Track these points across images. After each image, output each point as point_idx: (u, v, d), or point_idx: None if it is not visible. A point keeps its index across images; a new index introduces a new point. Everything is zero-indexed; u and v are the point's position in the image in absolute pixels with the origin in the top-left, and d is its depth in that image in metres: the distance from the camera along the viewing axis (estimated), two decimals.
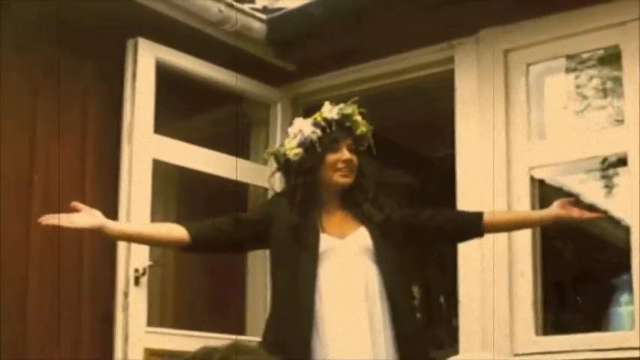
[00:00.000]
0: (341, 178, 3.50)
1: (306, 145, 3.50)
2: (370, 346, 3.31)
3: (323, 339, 3.30)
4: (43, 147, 3.88)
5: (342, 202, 3.57)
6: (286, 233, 3.45)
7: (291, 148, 3.51)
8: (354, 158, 3.51)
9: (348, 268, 3.42)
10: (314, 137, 3.49)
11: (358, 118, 3.57)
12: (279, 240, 3.47)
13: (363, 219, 3.51)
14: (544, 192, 4.20)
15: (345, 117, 3.55)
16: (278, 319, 3.40)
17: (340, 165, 3.49)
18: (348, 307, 3.37)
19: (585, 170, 5.66)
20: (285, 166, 3.60)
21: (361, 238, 3.46)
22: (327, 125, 3.51)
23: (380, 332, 3.34)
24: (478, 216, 3.51)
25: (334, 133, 3.51)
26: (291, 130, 3.55)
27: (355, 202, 3.56)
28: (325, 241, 3.44)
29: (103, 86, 4.12)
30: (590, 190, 5.89)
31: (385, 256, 3.44)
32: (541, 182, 4.20)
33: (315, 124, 3.51)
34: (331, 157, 3.49)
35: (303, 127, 3.51)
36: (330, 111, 3.54)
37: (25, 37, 3.84)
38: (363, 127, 3.58)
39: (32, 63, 3.87)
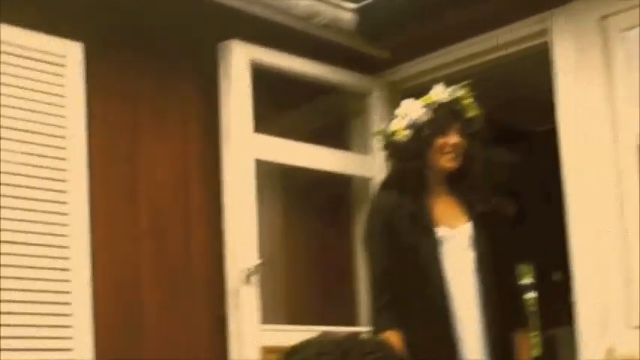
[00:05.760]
0: (447, 163, 3.48)
1: (415, 128, 3.48)
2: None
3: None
4: (145, 155, 3.94)
5: (447, 186, 3.55)
6: (405, 222, 3.45)
7: (400, 129, 3.50)
8: (462, 142, 3.48)
9: (458, 256, 3.42)
10: (423, 119, 3.47)
11: (469, 101, 3.54)
12: (400, 230, 3.46)
13: (467, 207, 3.50)
14: None
15: (455, 100, 3.52)
16: (405, 304, 3.39)
17: (447, 149, 3.47)
18: (462, 296, 3.37)
19: None
20: (392, 147, 3.58)
21: (467, 228, 3.44)
22: (436, 108, 3.49)
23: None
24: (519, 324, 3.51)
25: (444, 116, 3.49)
26: (400, 112, 3.53)
27: (460, 188, 3.54)
28: (439, 228, 3.45)
29: (199, 91, 4.16)
30: None
31: (482, 247, 3.44)
32: None
33: (425, 107, 3.48)
34: (439, 141, 3.47)
35: (412, 109, 3.49)
36: (441, 93, 3.51)
37: (121, 47, 3.91)
38: (474, 111, 3.55)
39: (130, 74, 3.93)
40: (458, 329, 3.36)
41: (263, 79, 4.26)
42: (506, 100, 5.14)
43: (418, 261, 3.40)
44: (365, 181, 4.64)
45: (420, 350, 3.28)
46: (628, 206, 3.77)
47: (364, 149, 4.71)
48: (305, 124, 4.66)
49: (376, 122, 4.57)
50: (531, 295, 7.29)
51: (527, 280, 7.36)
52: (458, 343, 3.35)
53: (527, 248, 6.39)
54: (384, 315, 3.40)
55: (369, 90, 4.76)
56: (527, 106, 5.55)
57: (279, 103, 4.56)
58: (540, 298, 7.46)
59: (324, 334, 1.62)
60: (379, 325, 3.39)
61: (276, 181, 4.59)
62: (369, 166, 4.62)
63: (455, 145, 3.47)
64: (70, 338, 3.50)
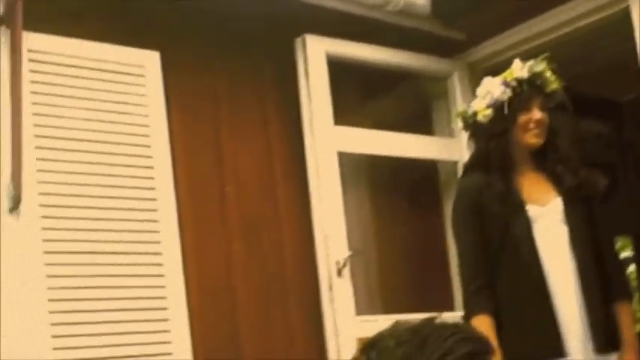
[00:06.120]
0: (532, 139, 3.42)
1: (497, 106, 3.43)
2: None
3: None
4: (229, 156, 3.97)
5: (534, 163, 3.50)
6: (494, 202, 3.41)
7: (482, 109, 3.45)
8: (545, 117, 3.42)
9: (551, 234, 3.36)
10: (504, 97, 3.42)
11: (549, 74, 3.48)
12: (489, 211, 3.42)
13: (556, 182, 3.44)
14: None
15: (535, 75, 3.46)
16: (498, 287, 3.36)
17: (531, 125, 3.41)
18: (559, 273, 3.32)
19: None
20: (474, 128, 3.54)
21: (558, 204, 3.39)
22: (517, 84, 3.43)
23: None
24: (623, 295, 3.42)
25: (525, 92, 3.43)
26: (480, 91, 3.49)
27: (548, 164, 3.48)
28: (529, 207, 3.40)
29: (277, 88, 4.18)
30: None
31: (576, 221, 3.37)
32: None
33: (505, 84, 3.43)
34: (522, 118, 3.41)
35: (493, 88, 3.44)
36: (520, 69, 3.45)
37: (195, 51, 3.94)
38: (554, 84, 3.48)
39: (207, 76, 3.97)
40: (557, 308, 3.30)
41: (342, 71, 4.25)
42: (587, 72, 5.02)
43: (510, 241, 3.35)
44: (451, 164, 4.61)
45: (517, 334, 3.25)
46: None
47: (448, 133, 4.68)
48: (387, 113, 4.64)
49: (458, 104, 4.53)
50: (632, 268, 7.13)
51: (627, 253, 7.20)
52: (557, 323, 3.28)
53: (624, 220, 6.25)
54: (475, 299, 3.36)
55: (449, 72, 4.71)
56: (610, 76, 5.43)
57: (361, 95, 4.56)
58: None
59: (398, 323, 1.60)
60: (470, 310, 3.35)
61: (363, 171, 4.59)
62: (454, 149, 4.58)
63: (539, 121, 3.41)
64: (168, 343, 3.56)
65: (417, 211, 4.64)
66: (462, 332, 1.55)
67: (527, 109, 3.42)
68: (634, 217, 6.36)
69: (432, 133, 4.74)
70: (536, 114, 3.41)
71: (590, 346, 3.30)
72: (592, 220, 3.44)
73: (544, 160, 3.49)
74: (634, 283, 7.16)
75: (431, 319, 1.59)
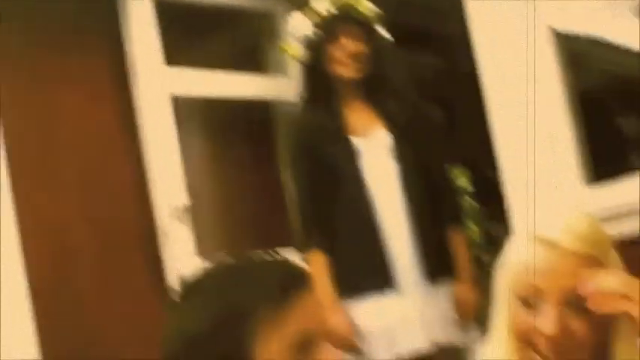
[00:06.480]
0: (348, 73, 3.39)
1: (308, 43, 3.40)
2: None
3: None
4: (58, 105, 3.84)
5: (363, 96, 3.48)
6: (320, 137, 3.39)
7: (295, 47, 3.43)
8: (361, 48, 3.38)
9: (378, 167, 3.37)
10: (313, 33, 3.39)
11: (363, 3, 3.43)
12: (316, 146, 3.41)
13: (385, 116, 3.42)
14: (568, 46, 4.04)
15: (344, 5, 3.41)
16: (330, 223, 3.37)
17: (344, 58, 3.38)
18: (386, 206, 3.34)
19: None
20: (299, 65, 3.53)
21: (384, 137, 3.37)
22: (324, 17, 3.39)
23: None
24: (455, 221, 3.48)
25: (333, 25, 3.39)
26: (290, 29, 3.45)
27: (377, 97, 3.47)
28: (354, 139, 3.39)
29: (106, 31, 4.03)
30: None
31: (404, 154, 3.36)
32: (559, 35, 4.03)
33: (312, 18, 3.40)
34: (334, 52, 3.38)
35: (301, 24, 3.40)
36: (322, 1, 3.40)
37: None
38: (366, 13, 3.44)
39: (32, 22, 3.81)
40: (385, 240, 3.32)
41: (173, 11, 4.15)
42: (411, 2, 5.04)
43: (337, 175, 3.35)
44: (285, 103, 4.59)
45: (348, 268, 3.27)
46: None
47: (280, 72, 4.64)
48: (220, 54, 4.57)
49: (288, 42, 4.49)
50: (469, 196, 7.32)
51: (464, 183, 7.38)
52: (385, 255, 3.31)
53: (461, 151, 6.38)
54: (309, 235, 3.38)
55: (278, 10, 4.65)
56: (437, 8, 5.49)
57: (193, 36, 4.47)
58: (479, 198, 7.48)
59: (217, 263, 1.58)
60: (305, 246, 3.37)
61: (199, 114, 4.53)
62: (287, 88, 4.55)
63: (350, 53, 3.37)
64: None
65: (256, 151, 4.61)
66: (280, 264, 1.54)
67: (335, 41, 3.38)
68: (470, 148, 6.50)
69: (266, 73, 4.69)
70: (348, 46, 3.37)
71: (420, 275, 3.33)
72: (427, 152, 3.45)
73: (375, 93, 3.48)
74: (473, 208, 7.34)
75: (246, 255, 1.56)
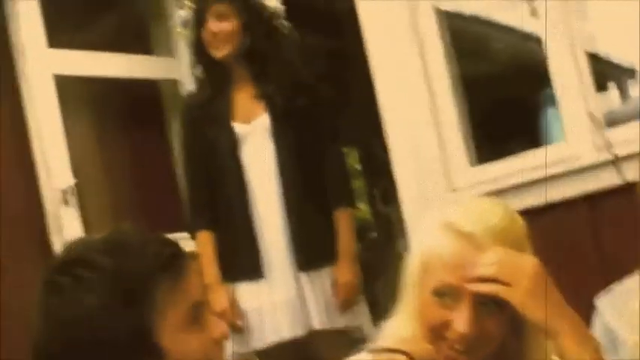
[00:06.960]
0: (218, 53, 3.34)
1: (190, 27, 3.38)
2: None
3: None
4: None
5: (250, 78, 3.44)
6: (205, 121, 3.37)
7: (180, 27, 3.41)
8: (226, 27, 3.31)
9: (258, 153, 3.34)
10: (187, 14, 3.37)
11: None
12: (201, 130, 3.38)
13: (267, 97, 3.37)
14: (454, 25, 4.09)
15: None
16: (214, 206, 3.35)
17: (210, 39, 3.33)
18: (262, 193, 3.33)
19: None
20: None
21: (265, 121, 3.34)
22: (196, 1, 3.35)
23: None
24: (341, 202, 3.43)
25: (202, 6, 3.34)
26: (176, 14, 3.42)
27: (257, 78, 3.39)
28: (236, 124, 3.36)
29: None
30: None
31: (283, 138, 3.33)
32: (448, 14, 4.08)
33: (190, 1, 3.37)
34: (205, 32, 3.34)
35: (183, 9, 3.39)
36: None
37: None
38: None
39: None
40: (259, 228, 3.30)
41: None
42: None
43: (218, 161, 3.33)
44: (172, 83, 4.53)
45: (226, 253, 3.27)
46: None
47: (167, 52, 4.59)
48: (106, 34, 4.49)
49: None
50: (359, 174, 7.36)
51: (353, 161, 7.41)
52: (258, 244, 3.30)
53: (351, 132, 6.41)
54: (196, 216, 3.37)
55: None
56: None
57: (79, 17, 4.38)
58: (368, 179, 7.52)
59: (84, 239, 1.56)
60: (193, 227, 3.36)
61: (86, 96, 4.45)
62: (174, 68, 4.50)
63: (215, 33, 3.31)
64: None
65: (143, 133, 4.55)
66: (158, 238, 1.53)
67: (203, 21, 3.33)
68: (360, 128, 6.53)
69: (152, 53, 4.63)
70: (212, 26, 3.32)
71: (297, 262, 3.29)
72: (311, 132, 3.40)
73: (255, 75, 3.40)
74: (362, 190, 7.38)
75: (119, 229, 1.54)
